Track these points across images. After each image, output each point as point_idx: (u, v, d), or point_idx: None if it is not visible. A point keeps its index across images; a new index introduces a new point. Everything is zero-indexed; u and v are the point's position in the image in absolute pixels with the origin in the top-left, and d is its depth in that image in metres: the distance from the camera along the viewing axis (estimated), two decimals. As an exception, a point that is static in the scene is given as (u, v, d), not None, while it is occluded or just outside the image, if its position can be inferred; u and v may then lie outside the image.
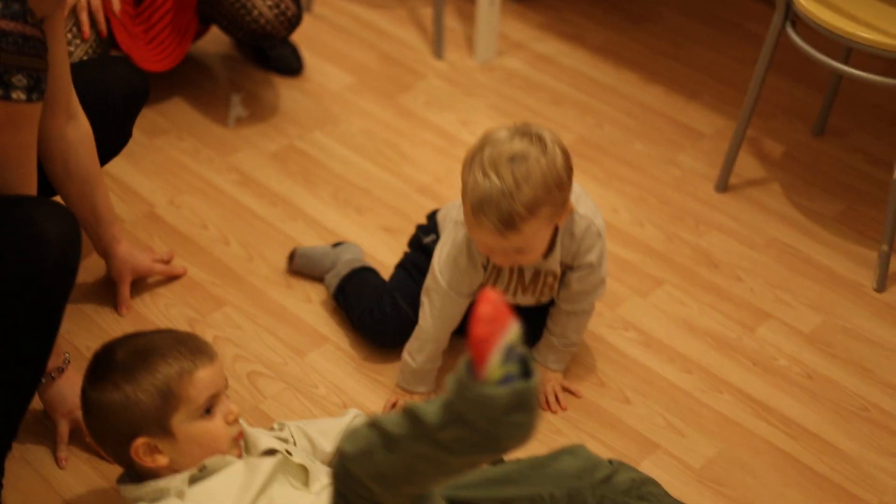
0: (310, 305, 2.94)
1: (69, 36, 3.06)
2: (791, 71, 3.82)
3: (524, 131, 2.36)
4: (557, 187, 2.36)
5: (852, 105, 3.70)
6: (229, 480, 2.16)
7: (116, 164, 3.32)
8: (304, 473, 2.23)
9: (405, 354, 2.69)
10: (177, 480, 2.15)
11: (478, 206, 2.33)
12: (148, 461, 2.16)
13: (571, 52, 3.93)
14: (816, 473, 2.60)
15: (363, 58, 3.87)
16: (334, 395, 2.72)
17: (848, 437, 2.68)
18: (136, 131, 3.38)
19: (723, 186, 3.35)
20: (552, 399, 2.73)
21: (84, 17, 3.08)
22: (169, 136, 3.47)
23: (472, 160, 2.35)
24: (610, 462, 2.39)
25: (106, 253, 2.86)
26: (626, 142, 3.54)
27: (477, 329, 1.59)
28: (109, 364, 2.17)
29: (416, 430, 1.71)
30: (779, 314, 2.98)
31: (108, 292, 2.93)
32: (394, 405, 2.68)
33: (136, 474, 2.22)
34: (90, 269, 2.98)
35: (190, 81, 3.67)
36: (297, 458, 2.24)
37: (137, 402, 2.12)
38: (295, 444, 2.38)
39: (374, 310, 2.79)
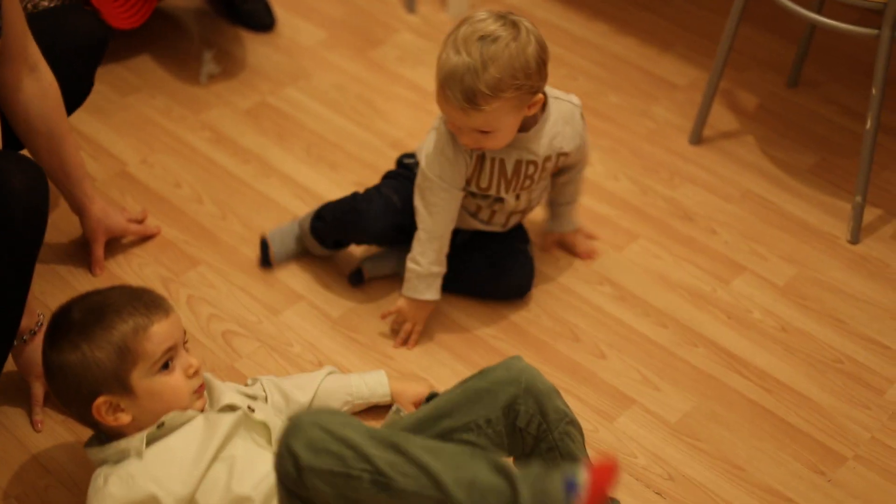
0: (284, 263, 2.93)
1: None
2: (765, 22, 3.81)
3: (502, 15, 2.48)
4: (524, 74, 2.44)
5: (826, 56, 3.69)
6: (188, 437, 2.15)
7: (87, 123, 3.30)
8: (267, 431, 2.22)
9: (409, 263, 2.69)
10: (136, 440, 2.15)
11: (444, 80, 2.44)
12: (111, 419, 2.15)
13: (544, 4, 3.92)
14: (791, 426, 2.61)
15: (335, 12, 3.85)
16: (309, 353, 2.71)
17: (822, 389, 2.69)
18: (107, 89, 3.39)
19: (696, 138, 3.35)
20: (586, 250, 2.98)
21: None
22: (140, 94, 3.45)
23: (449, 36, 2.47)
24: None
25: (79, 211, 2.84)
26: (600, 93, 3.54)
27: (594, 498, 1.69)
28: (66, 324, 2.16)
29: (432, 495, 1.77)
30: (753, 267, 2.99)
31: (81, 253, 2.92)
32: (428, 399, 2.48)
33: (104, 435, 2.21)
34: (63, 229, 2.97)
35: (161, 38, 3.65)
36: (260, 414, 2.23)
37: (95, 361, 2.11)
38: (266, 399, 2.39)
39: (356, 199, 2.78)
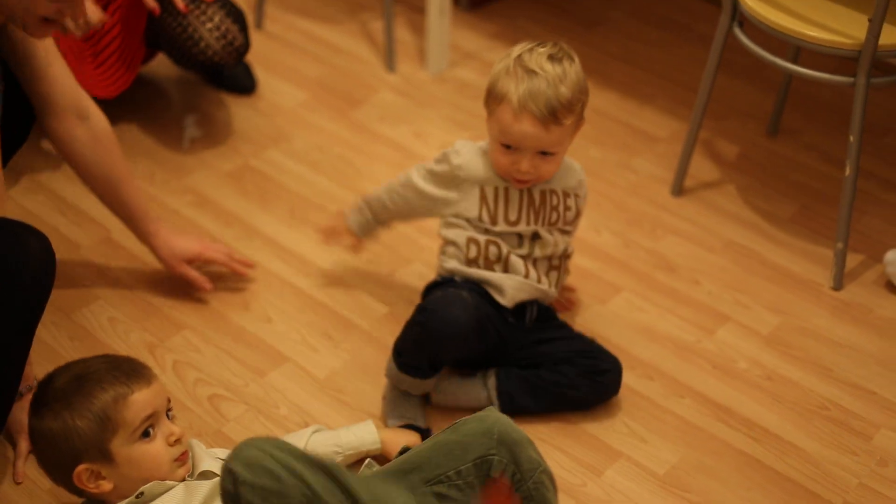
0: (269, 325, 2.94)
1: None
2: (742, 72, 3.84)
3: (546, 44, 2.59)
4: (585, 91, 2.59)
5: (805, 104, 3.72)
6: None
7: (69, 189, 3.31)
8: None
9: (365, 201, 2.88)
10: None
11: (525, 98, 2.51)
12: (92, 487, 2.17)
13: (524, 59, 3.94)
14: (779, 474, 2.61)
15: (315, 73, 3.87)
16: (296, 414, 2.71)
17: (809, 436, 2.69)
18: (89, 156, 3.39)
19: (678, 190, 3.36)
20: (566, 300, 3.01)
21: None
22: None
23: (508, 68, 2.56)
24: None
25: (149, 247, 2.95)
26: (582, 148, 3.55)
27: None
28: (50, 392, 2.19)
29: None
30: (737, 316, 2.99)
31: (64, 321, 2.92)
32: (400, 453, 2.42)
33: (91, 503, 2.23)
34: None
35: (142, 104, 3.66)
36: None
37: (76, 429, 2.14)
38: None
39: (420, 311, 2.60)
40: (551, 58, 2.55)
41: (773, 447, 2.67)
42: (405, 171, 2.77)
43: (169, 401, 2.26)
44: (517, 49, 2.59)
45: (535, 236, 2.70)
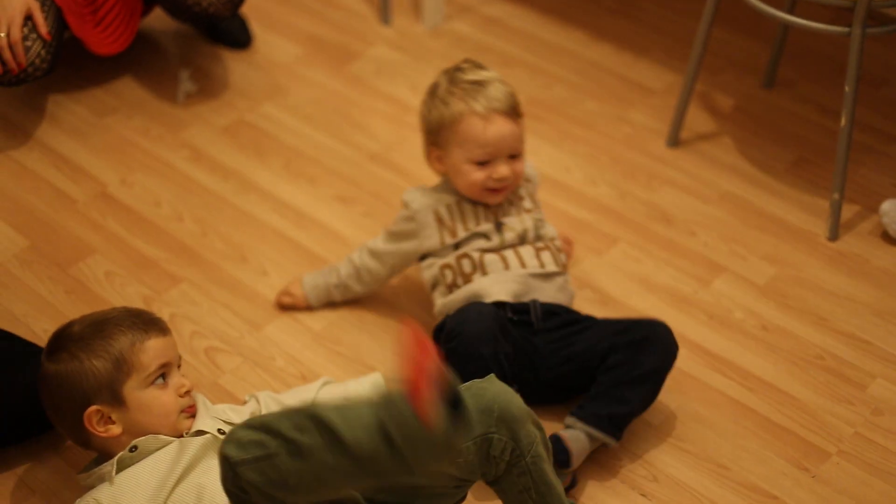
0: (265, 278, 2.94)
1: (25, 31, 3.09)
2: (738, 24, 3.82)
3: (459, 64, 2.71)
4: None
5: (801, 56, 3.71)
6: (158, 462, 2.18)
7: (66, 145, 3.32)
8: None
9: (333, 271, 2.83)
10: (109, 465, 2.18)
11: (489, 101, 2.61)
12: (101, 430, 2.20)
13: (520, 13, 3.93)
14: (774, 424, 2.62)
15: (311, 28, 3.86)
16: (292, 367, 2.72)
17: (804, 386, 2.70)
18: (84, 111, 3.42)
19: (674, 142, 3.36)
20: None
21: (38, 18, 3.11)
22: (118, 115, 3.45)
23: (447, 96, 2.64)
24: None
25: None
26: (577, 101, 3.55)
27: (409, 371, 1.64)
28: (66, 337, 2.25)
29: (332, 445, 1.75)
30: (733, 267, 3.00)
31: (63, 277, 2.93)
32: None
33: (97, 458, 2.26)
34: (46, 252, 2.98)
35: (137, 58, 3.65)
36: None
37: (91, 369, 2.19)
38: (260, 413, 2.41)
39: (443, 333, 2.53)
40: (479, 67, 2.68)
41: (769, 397, 2.68)
42: (359, 253, 2.79)
43: (180, 357, 2.32)
44: (441, 81, 2.69)
45: (499, 225, 2.69)
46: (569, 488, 2.45)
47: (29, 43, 3.10)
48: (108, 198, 3.17)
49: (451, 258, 2.66)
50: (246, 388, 2.65)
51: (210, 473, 2.15)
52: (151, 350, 2.23)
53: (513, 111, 2.64)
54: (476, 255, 2.64)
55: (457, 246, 2.67)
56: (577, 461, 2.43)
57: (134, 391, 2.21)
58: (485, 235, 2.66)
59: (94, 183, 3.21)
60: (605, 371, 2.50)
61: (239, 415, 2.39)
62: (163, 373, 2.25)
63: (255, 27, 3.81)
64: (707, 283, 2.95)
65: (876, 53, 3.71)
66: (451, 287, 2.65)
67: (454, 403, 1.72)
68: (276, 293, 2.88)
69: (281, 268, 2.97)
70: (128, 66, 3.63)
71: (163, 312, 2.84)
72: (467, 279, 2.64)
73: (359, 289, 2.82)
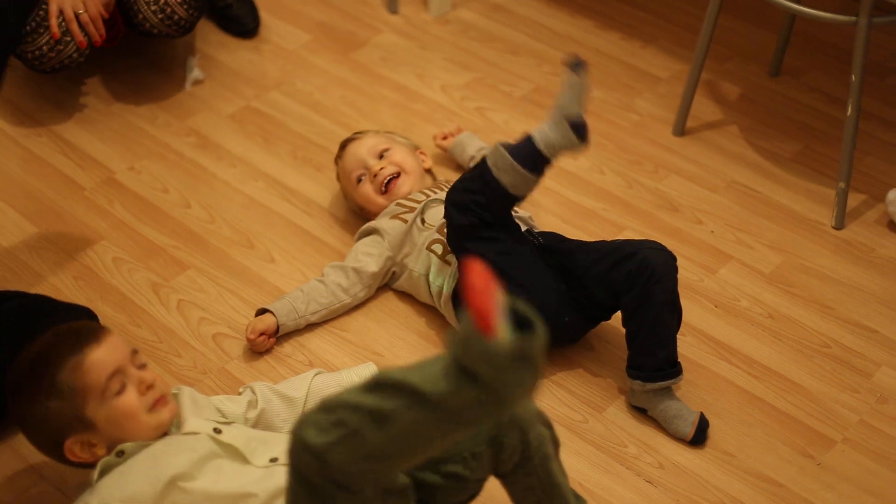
0: (272, 265, 2.95)
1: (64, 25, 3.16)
2: (745, 12, 3.83)
3: None
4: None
5: (807, 44, 3.71)
6: (144, 461, 2.15)
7: (73, 132, 3.32)
8: (237, 452, 2.20)
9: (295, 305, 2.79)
10: (93, 473, 2.17)
11: (355, 134, 3.05)
12: (87, 456, 2.18)
13: (527, 1, 3.93)
14: (780, 412, 2.62)
15: (318, 15, 3.86)
16: (299, 353, 2.73)
17: (810, 374, 2.71)
18: (92, 98, 3.42)
19: (680, 130, 3.36)
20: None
21: (74, 28, 3.15)
22: (126, 102, 3.46)
23: (342, 160, 3.04)
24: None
25: None
26: (584, 89, 3.55)
27: (474, 298, 1.63)
28: (18, 383, 2.19)
29: (416, 402, 1.71)
30: (739, 255, 3.00)
31: (47, 245, 2.94)
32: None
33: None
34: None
35: (145, 46, 3.66)
36: (227, 436, 2.21)
37: (48, 411, 2.14)
38: (257, 403, 2.40)
39: None
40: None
41: (775, 385, 2.68)
42: (338, 286, 2.81)
43: (135, 351, 2.24)
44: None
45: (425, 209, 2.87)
46: (704, 428, 2.56)
47: (69, 38, 3.15)
48: (116, 184, 3.18)
49: (429, 235, 2.77)
50: (253, 375, 2.66)
51: (218, 482, 2.13)
52: (94, 367, 2.15)
53: (363, 131, 3.07)
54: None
55: (422, 221, 2.83)
56: (672, 423, 2.57)
57: (98, 410, 2.15)
58: (439, 200, 2.82)
59: (102, 169, 3.22)
60: (629, 317, 2.59)
61: (236, 404, 2.39)
62: (119, 381, 2.17)
63: (263, 14, 3.81)
64: (713, 271, 2.96)
65: (882, 43, 3.71)
66: (446, 255, 2.73)
67: (522, 325, 1.71)
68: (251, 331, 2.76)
69: (288, 254, 2.97)
70: (135, 54, 3.63)
71: (171, 299, 2.84)
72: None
73: (344, 293, 2.83)
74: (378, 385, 1.76)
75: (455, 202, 2.60)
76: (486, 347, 1.64)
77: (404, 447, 1.77)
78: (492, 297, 1.65)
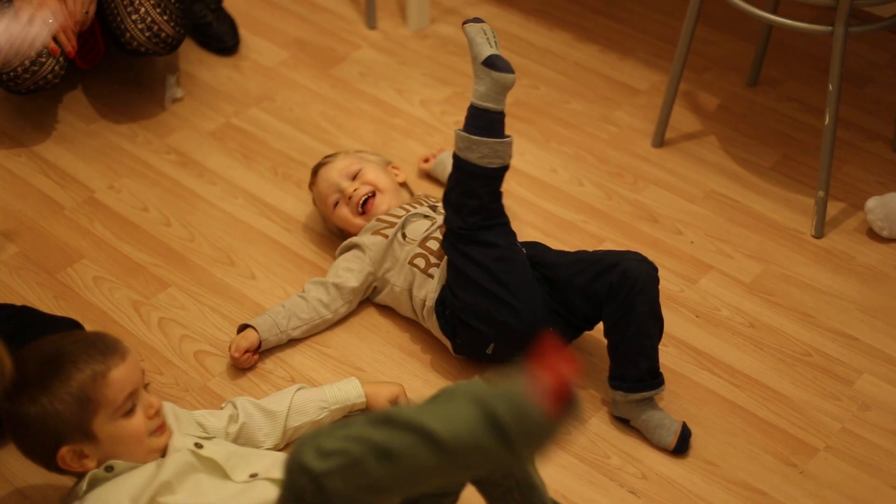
0: (253, 282, 2.95)
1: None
2: (723, 23, 3.84)
3: None
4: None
5: (785, 54, 3.72)
6: (132, 478, 2.15)
7: (53, 151, 3.32)
8: (218, 467, 2.20)
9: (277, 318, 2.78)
10: (82, 484, 2.16)
11: (325, 158, 3.06)
12: (76, 467, 2.16)
13: (505, 14, 3.94)
14: (762, 421, 2.63)
15: (297, 32, 3.87)
16: (281, 369, 2.73)
17: (792, 382, 2.71)
18: (71, 116, 3.43)
19: (659, 141, 3.37)
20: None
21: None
22: (105, 121, 3.46)
23: (316, 185, 3.04)
24: None
25: None
26: (562, 101, 3.56)
27: (554, 378, 1.67)
28: (23, 378, 2.13)
29: (424, 442, 1.72)
30: (719, 265, 3.01)
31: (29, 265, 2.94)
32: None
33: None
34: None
35: (124, 64, 3.65)
36: (208, 451, 2.21)
37: (56, 413, 2.10)
38: (238, 418, 2.41)
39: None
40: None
41: (757, 393, 2.69)
42: (319, 301, 2.82)
43: (143, 372, 2.25)
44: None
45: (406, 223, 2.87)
46: (687, 437, 2.57)
47: (43, 58, 3.14)
48: (96, 203, 3.17)
49: (411, 250, 2.77)
50: (235, 392, 2.66)
51: (198, 496, 2.13)
52: (116, 383, 2.14)
53: (335, 154, 3.07)
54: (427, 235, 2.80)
55: (403, 236, 2.82)
56: (654, 433, 2.58)
57: (104, 426, 2.14)
58: (420, 215, 2.86)
59: (82, 188, 3.22)
60: (611, 328, 2.59)
61: (217, 419, 2.39)
62: (132, 401, 2.17)
63: (242, 32, 3.81)
64: (694, 281, 2.96)
65: (859, 52, 3.72)
66: (429, 268, 2.74)
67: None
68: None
69: (269, 271, 2.97)
70: (115, 72, 3.63)
71: (152, 316, 2.84)
72: (439, 254, 2.73)
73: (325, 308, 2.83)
74: (389, 421, 1.75)
75: (449, 203, 2.64)
76: (539, 419, 1.66)
77: (404, 484, 1.78)
78: (568, 377, 1.67)
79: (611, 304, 2.56)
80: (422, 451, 1.72)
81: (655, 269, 2.59)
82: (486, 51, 2.57)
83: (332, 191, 2.97)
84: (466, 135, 2.57)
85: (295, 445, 1.80)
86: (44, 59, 3.13)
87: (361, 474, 1.74)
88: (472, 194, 2.59)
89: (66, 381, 2.11)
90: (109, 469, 2.16)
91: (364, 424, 1.77)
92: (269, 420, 2.46)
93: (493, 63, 2.55)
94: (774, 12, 3.19)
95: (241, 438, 2.42)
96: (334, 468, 1.74)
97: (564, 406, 1.69)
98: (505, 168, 2.61)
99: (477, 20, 2.63)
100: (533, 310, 2.58)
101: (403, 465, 1.73)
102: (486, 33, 2.60)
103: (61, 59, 3.16)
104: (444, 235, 2.68)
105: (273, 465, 2.21)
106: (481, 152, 2.56)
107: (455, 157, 2.61)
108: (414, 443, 1.72)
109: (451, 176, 2.63)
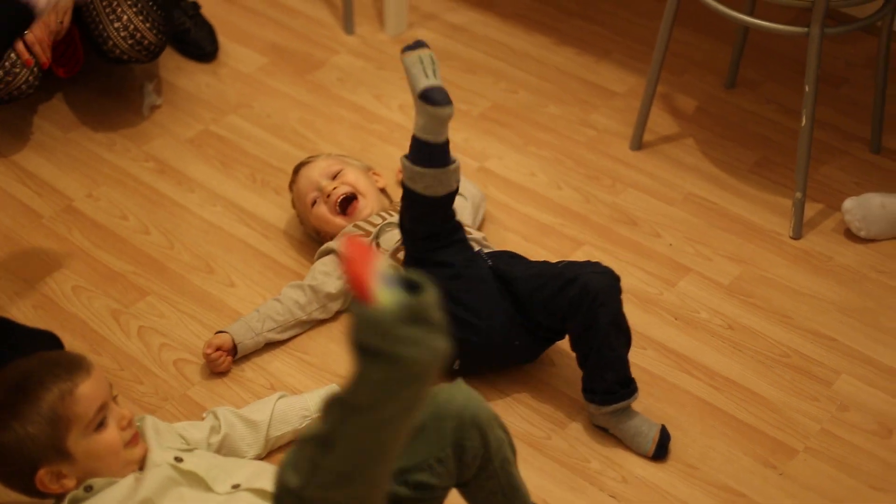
0: (232, 289, 2.95)
1: (7, 65, 3.11)
2: (699, 25, 3.85)
3: None
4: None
5: (762, 56, 3.73)
6: (112, 495, 2.14)
7: (31, 159, 3.32)
8: (199, 479, 2.20)
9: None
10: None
11: (307, 158, 3.07)
12: (56, 488, 2.15)
13: (483, 19, 3.94)
14: (741, 422, 2.63)
15: (274, 37, 3.86)
16: (261, 377, 2.73)
17: (771, 384, 2.72)
18: (49, 125, 3.41)
19: (637, 144, 3.38)
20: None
21: (20, 47, 3.10)
22: (83, 129, 3.45)
23: (296, 184, 3.04)
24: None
25: None
26: (540, 105, 3.56)
27: (350, 268, 1.60)
28: None
29: (337, 411, 1.68)
30: (698, 268, 3.01)
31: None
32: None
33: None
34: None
35: (101, 72, 3.65)
36: (189, 464, 2.21)
37: (29, 436, 2.10)
38: (220, 429, 2.40)
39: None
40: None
41: (736, 395, 2.70)
42: (295, 303, 2.82)
43: (111, 386, 2.24)
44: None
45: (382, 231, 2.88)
46: (665, 442, 2.57)
47: (17, 69, 3.12)
48: (74, 212, 3.17)
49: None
50: (215, 400, 2.66)
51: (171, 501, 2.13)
52: (84, 398, 2.13)
53: (314, 156, 3.07)
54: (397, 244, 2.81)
55: (377, 245, 2.84)
56: (633, 441, 2.58)
57: (79, 442, 2.13)
58: (395, 224, 2.82)
59: (60, 197, 3.21)
60: (577, 342, 2.59)
61: (199, 430, 2.39)
62: (103, 415, 2.16)
63: (219, 38, 3.81)
64: (672, 283, 2.97)
65: (835, 53, 3.73)
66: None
67: (410, 287, 1.61)
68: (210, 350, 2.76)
69: (248, 278, 2.97)
70: (92, 80, 3.62)
71: (131, 325, 2.84)
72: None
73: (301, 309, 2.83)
74: (320, 411, 1.75)
75: (402, 227, 2.67)
76: (370, 315, 1.57)
77: (360, 461, 1.72)
78: (367, 264, 1.60)
79: (573, 319, 2.55)
80: (345, 421, 1.67)
81: (617, 279, 2.57)
82: (422, 83, 2.54)
83: (312, 189, 2.98)
84: (410, 165, 2.58)
85: (277, 469, 1.78)
86: (18, 70, 3.12)
87: (323, 472, 1.72)
88: (422, 220, 2.61)
89: (36, 402, 2.10)
90: (88, 489, 2.15)
91: (312, 424, 1.77)
92: (251, 430, 2.46)
93: (428, 97, 2.52)
94: (751, 14, 3.20)
95: (224, 449, 2.42)
96: (306, 478, 1.73)
97: (369, 290, 1.59)
98: (452, 194, 2.61)
99: (417, 45, 2.59)
100: (494, 325, 2.59)
101: (343, 444, 1.68)
102: (422, 62, 2.56)
103: (35, 69, 3.15)
104: (404, 259, 2.70)
105: (255, 474, 2.21)
106: (425, 182, 2.57)
107: (403, 184, 2.62)
108: (336, 418, 1.68)
109: (402, 200, 2.64)
